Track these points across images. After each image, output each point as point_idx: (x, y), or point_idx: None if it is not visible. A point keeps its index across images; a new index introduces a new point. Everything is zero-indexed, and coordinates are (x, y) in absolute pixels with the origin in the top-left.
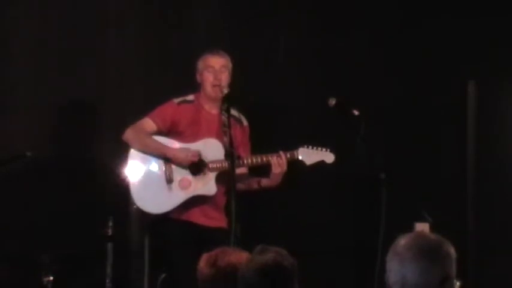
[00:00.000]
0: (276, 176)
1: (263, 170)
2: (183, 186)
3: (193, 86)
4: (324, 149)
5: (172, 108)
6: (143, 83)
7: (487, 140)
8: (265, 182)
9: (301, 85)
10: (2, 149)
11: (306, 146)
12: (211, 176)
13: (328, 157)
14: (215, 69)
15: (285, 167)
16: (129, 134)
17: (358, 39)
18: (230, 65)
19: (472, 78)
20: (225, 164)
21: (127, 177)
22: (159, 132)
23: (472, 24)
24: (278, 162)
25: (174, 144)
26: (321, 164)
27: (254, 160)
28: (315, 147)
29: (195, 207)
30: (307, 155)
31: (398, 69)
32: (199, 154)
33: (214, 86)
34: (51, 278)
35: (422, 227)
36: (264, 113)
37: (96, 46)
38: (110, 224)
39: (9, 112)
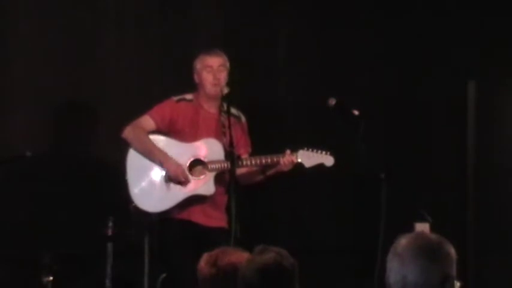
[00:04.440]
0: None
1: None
2: (182, 185)
3: (193, 86)
4: (323, 152)
5: (171, 105)
6: (143, 83)
7: (487, 140)
8: (270, 171)
9: (301, 85)
10: (2, 149)
11: (305, 149)
12: (210, 176)
13: (328, 160)
14: (213, 69)
15: (292, 166)
16: (128, 133)
17: (358, 39)
18: (228, 64)
19: (472, 78)
20: (225, 165)
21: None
22: (158, 130)
23: (472, 24)
24: (288, 162)
25: (173, 144)
26: (320, 167)
27: (263, 161)
28: (314, 150)
29: (195, 206)
30: (307, 158)
31: (398, 69)
32: (187, 180)
33: (214, 85)
34: (51, 278)
35: (422, 227)
36: (264, 113)
37: (96, 46)
38: (110, 224)
39: (9, 112)
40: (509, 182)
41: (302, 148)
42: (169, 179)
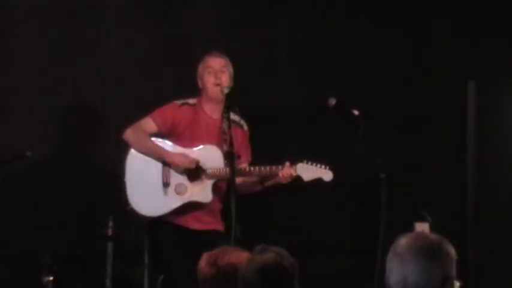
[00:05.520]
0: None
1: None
2: (179, 191)
3: (193, 86)
4: (323, 166)
5: (174, 109)
6: (143, 84)
7: (487, 140)
8: (269, 182)
9: (301, 85)
10: (2, 149)
11: (305, 162)
12: (208, 183)
13: (327, 175)
14: (215, 70)
15: (291, 178)
16: (129, 134)
17: (359, 39)
18: (231, 68)
19: (472, 78)
20: (224, 172)
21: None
22: (159, 133)
23: (472, 24)
24: (287, 175)
25: (172, 147)
26: (318, 181)
27: (262, 170)
28: (314, 164)
29: (189, 213)
30: (306, 171)
31: (398, 69)
32: (197, 162)
33: (215, 85)
34: (51, 278)
35: (422, 227)
36: (264, 114)
37: (96, 47)
38: (110, 224)
39: (10, 112)
40: (509, 182)
41: (301, 161)
42: (166, 182)
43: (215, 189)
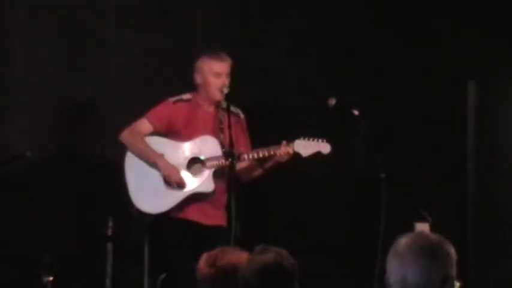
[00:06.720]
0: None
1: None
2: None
3: (193, 86)
4: (319, 140)
5: (169, 107)
6: (143, 83)
7: (487, 140)
8: (268, 164)
9: (301, 85)
10: (2, 149)
11: (301, 138)
12: (208, 173)
13: (325, 148)
14: (222, 75)
15: (289, 156)
16: (125, 136)
17: (359, 39)
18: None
19: (472, 78)
20: (222, 160)
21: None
22: (156, 132)
23: (473, 24)
24: (284, 153)
25: (170, 145)
26: (317, 155)
27: (260, 154)
28: (310, 139)
29: (192, 205)
30: (303, 147)
31: (398, 69)
32: (181, 184)
33: (220, 91)
34: (51, 278)
35: (422, 227)
36: (264, 113)
37: (96, 47)
38: (110, 224)
39: (9, 112)
40: (509, 182)
41: (298, 138)
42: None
43: (217, 179)
